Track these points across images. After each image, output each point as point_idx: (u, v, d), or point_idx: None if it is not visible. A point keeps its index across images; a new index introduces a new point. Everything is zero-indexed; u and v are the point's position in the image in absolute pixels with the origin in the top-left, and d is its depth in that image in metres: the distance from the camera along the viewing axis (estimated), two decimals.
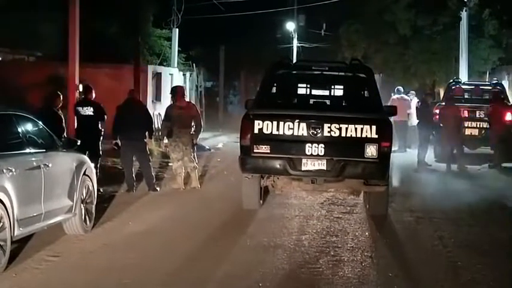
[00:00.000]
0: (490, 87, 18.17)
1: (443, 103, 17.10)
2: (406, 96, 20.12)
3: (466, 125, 16.03)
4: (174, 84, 20.41)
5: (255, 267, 7.07)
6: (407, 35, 25.74)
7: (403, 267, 7.34)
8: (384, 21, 26.43)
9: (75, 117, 12.02)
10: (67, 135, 11.25)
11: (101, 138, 11.71)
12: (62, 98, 11.51)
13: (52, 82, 18.14)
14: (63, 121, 11.19)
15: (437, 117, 16.17)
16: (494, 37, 24.62)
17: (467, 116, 16.45)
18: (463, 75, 22.10)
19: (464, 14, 21.86)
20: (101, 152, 11.70)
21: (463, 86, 18.26)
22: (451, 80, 19.59)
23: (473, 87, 18.15)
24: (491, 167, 15.24)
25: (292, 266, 7.14)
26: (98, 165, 11.26)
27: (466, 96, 17.51)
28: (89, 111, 11.70)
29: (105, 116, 11.72)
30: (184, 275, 6.78)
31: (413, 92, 20.46)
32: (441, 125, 15.79)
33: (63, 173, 7.96)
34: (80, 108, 11.82)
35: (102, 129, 11.76)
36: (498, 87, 18.15)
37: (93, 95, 11.94)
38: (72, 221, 8.14)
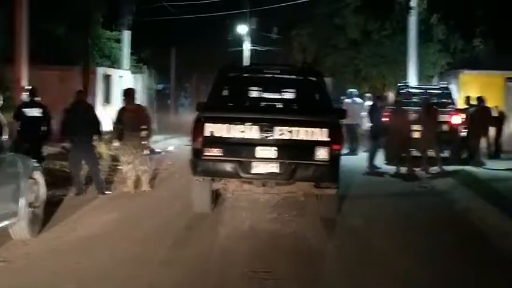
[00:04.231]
0: (439, 91, 18.48)
1: (393, 106, 17.31)
2: (358, 100, 20.27)
3: (414, 129, 16.22)
4: (124, 87, 20.19)
5: (206, 272, 7.03)
6: (358, 39, 26.04)
7: (352, 270, 7.39)
8: (334, 25, 26.70)
9: (19, 119, 11.74)
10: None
11: (45, 140, 11.54)
12: None
13: None
14: (3, 123, 10.91)
15: (387, 120, 16.36)
16: (442, 42, 25.10)
17: (415, 119, 16.65)
18: (412, 79, 22.43)
19: (412, 19, 22.17)
20: (44, 155, 11.50)
21: (411, 90, 18.52)
22: (399, 84, 19.87)
23: (422, 91, 18.41)
24: (439, 170, 15.49)
25: (242, 270, 7.11)
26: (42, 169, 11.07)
27: (414, 100, 17.73)
28: (36, 112, 11.55)
29: (52, 118, 11.59)
30: (133, 280, 6.70)
31: (368, 95, 20.60)
32: (390, 128, 15.97)
33: (8, 177, 7.76)
34: (26, 110, 11.61)
35: (50, 132, 11.60)
36: (446, 90, 18.48)
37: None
38: (19, 225, 7.96)
